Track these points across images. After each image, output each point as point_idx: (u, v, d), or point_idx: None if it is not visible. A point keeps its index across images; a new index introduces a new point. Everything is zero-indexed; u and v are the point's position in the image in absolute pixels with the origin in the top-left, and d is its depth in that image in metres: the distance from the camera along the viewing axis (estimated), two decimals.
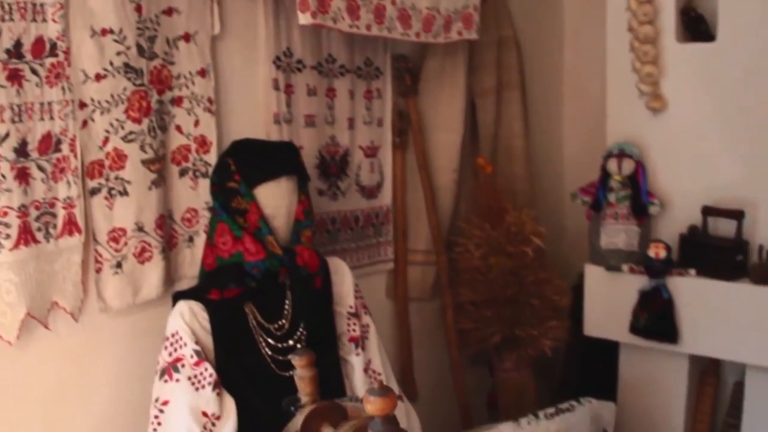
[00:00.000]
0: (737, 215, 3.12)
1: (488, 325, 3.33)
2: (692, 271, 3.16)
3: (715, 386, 3.49)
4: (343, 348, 2.41)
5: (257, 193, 2.18)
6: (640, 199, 3.26)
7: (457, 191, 3.41)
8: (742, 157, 3.12)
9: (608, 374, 3.54)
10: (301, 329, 2.26)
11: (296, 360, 1.65)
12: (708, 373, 3.50)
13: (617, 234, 3.30)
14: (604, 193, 3.31)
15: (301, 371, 1.66)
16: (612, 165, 3.28)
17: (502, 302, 3.32)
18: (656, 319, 3.20)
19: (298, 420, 1.60)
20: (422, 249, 3.33)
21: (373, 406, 1.41)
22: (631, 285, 3.25)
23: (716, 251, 3.16)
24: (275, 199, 2.19)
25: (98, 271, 2.24)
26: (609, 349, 3.52)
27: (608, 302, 3.35)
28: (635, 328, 3.27)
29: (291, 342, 2.25)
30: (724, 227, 3.18)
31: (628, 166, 3.26)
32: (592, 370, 3.65)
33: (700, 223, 3.22)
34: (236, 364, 2.17)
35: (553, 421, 2.83)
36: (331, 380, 2.26)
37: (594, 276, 3.37)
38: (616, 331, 3.35)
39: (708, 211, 3.19)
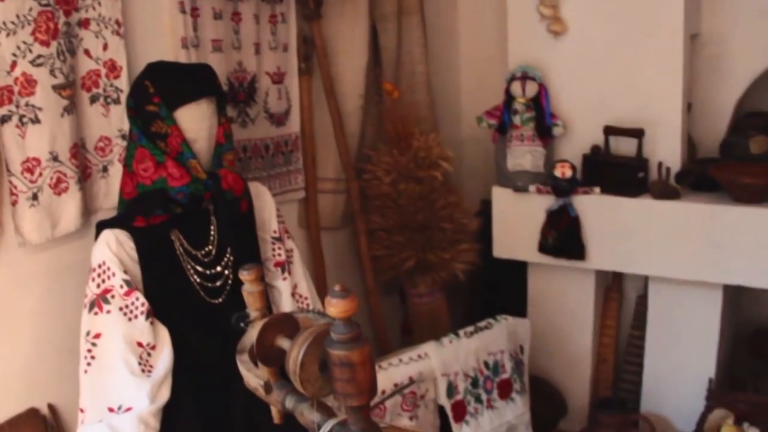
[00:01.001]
0: (637, 134, 3.21)
1: (401, 250, 3.34)
2: (596, 189, 3.24)
3: (619, 301, 3.63)
4: (269, 273, 2.37)
5: (178, 116, 2.09)
6: (544, 120, 3.31)
7: (364, 117, 3.38)
8: (641, 78, 3.20)
9: (517, 295, 3.62)
10: (228, 255, 2.21)
11: (244, 274, 1.60)
12: (612, 289, 3.63)
13: (523, 156, 3.34)
14: (509, 115, 3.34)
15: (250, 286, 1.61)
16: (516, 88, 3.31)
17: (413, 227, 3.33)
18: (564, 237, 3.28)
19: (252, 334, 1.55)
20: (332, 177, 3.30)
21: (335, 308, 1.37)
22: (538, 205, 3.32)
23: (618, 169, 3.26)
24: (196, 121, 2.11)
25: (14, 203, 2.12)
26: (517, 270, 3.60)
27: (516, 224, 3.41)
28: (544, 247, 3.34)
29: (219, 268, 2.19)
30: (625, 146, 3.27)
31: (531, 89, 3.30)
32: (501, 292, 3.71)
33: (602, 143, 3.30)
34: (165, 293, 2.10)
35: (473, 339, 2.89)
36: None
37: (501, 198, 3.42)
38: (525, 251, 3.42)
39: (609, 131, 3.27)
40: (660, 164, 3.21)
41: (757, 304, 3.69)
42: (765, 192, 3.02)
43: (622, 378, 3.64)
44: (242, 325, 1.64)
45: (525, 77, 3.30)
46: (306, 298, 2.44)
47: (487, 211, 3.58)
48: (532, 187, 3.32)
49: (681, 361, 3.39)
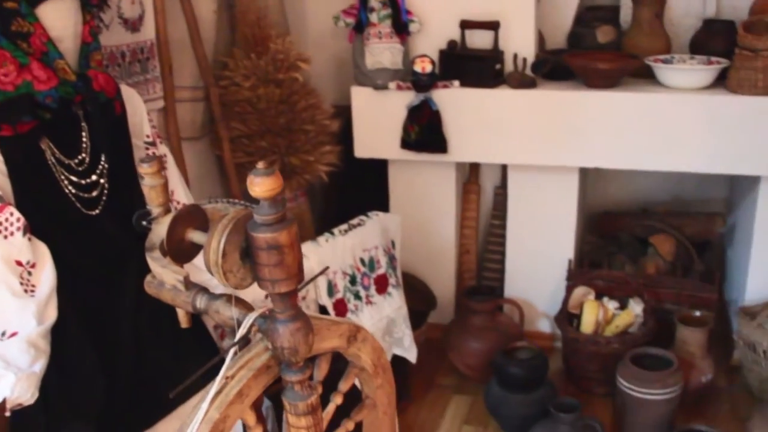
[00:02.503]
0: (493, 26, 3.25)
1: (265, 156, 3.27)
2: (456, 83, 3.27)
3: (477, 192, 3.72)
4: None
5: (40, 12, 1.92)
6: (401, 17, 3.30)
7: (218, 22, 3.25)
8: None
9: (379, 194, 3.64)
10: (102, 162, 2.08)
11: (144, 167, 1.50)
12: (470, 181, 3.72)
13: (382, 53, 3.33)
14: (365, 13, 3.30)
15: (152, 179, 1.51)
16: None
17: (275, 132, 3.27)
18: (426, 131, 3.31)
19: (160, 230, 1.47)
20: (189, 85, 3.16)
21: (260, 187, 1.31)
22: (399, 102, 3.33)
23: (475, 62, 3.30)
24: (61, 18, 1.95)
25: None
26: (378, 170, 3.61)
27: (377, 122, 3.40)
28: (406, 143, 3.36)
29: (94, 177, 2.07)
30: (480, 40, 3.32)
31: None
32: (363, 192, 3.72)
33: (458, 38, 3.33)
34: (39, 207, 1.96)
35: (348, 237, 2.89)
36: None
37: (361, 97, 3.40)
38: (387, 149, 3.43)
39: (465, 25, 3.30)
40: (515, 55, 3.28)
41: (603, 188, 3.89)
42: (617, 77, 3.16)
43: (486, 267, 3.76)
44: (144, 223, 1.56)
45: None
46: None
47: (342, 114, 3.55)
48: (392, 84, 3.32)
49: (541, 245, 3.54)
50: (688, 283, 3.32)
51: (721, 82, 3.09)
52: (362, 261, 2.95)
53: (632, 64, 3.15)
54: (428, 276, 3.65)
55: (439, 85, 3.27)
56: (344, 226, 2.94)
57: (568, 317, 3.29)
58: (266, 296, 1.44)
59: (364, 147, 3.47)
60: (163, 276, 1.45)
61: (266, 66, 3.22)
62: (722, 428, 2.77)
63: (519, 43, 3.29)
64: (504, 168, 3.68)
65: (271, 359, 1.48)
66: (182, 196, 2.37)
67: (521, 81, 3.24)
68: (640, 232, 3.67)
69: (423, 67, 3.24)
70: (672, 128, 3.08)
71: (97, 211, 2.07)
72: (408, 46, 3.37)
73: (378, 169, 3.62)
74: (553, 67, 3.28)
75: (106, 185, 2.09)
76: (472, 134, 3.30)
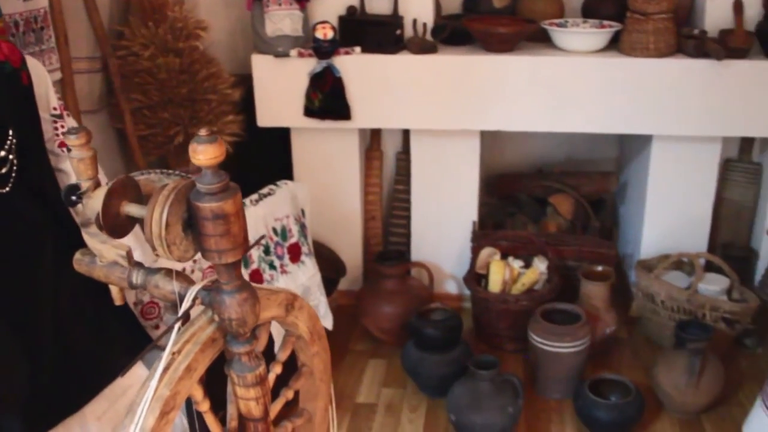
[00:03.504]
0: None
1: (167, 127, 3.21)
2: (357, 49, 3.27)
3: (380, 159, 3.74)
4: (54, 157, 2.17)
5: None
6: None
7: None
8: None
9: (284, 162, 3.62)
10: (10, 137, 1.99)
11: (71, 139, 1.44)
12: (372, 148, 3.73)
13: (282, 20, 3.28)
14: None
15: (80, 151, 1.45)
16: None
17: (177, 102, 3.20)
18: (329, 98, 3.30)
19: (93, 204, 1.42)
20: (85, 56, 3.06)
21: (204, 155, 1.30)
22: (301, 69, 3.30)
23: (376, 28, 3.31)
24: None
25: None
26: (283, 138, 3.59)
27: (279, 90, 3.36)
28: (310, 111, 3.34)
29: (2, 153, 1.97)
30: (379, 5, 3.33)
31: None
32: (267, 161, 3.68)
33: (357, 3, 3.32)
34: None
35: (259, 206, 2.86)
36: (48, 192, 2.05)
37: (262, 65, 3.35)
38: (290, 117, 3.40)
39: None
40: (415, 21, 3.31)
41: (499, 150, 3.97)
42: (515, 41, 3.23)
43: (392, 232, 3.80)
44: (74, 198, 1.51)
45: None
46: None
47: (243, 83, 3.50)
48: (293, 52, 3.28)
49: (445, 209, 3.60)
50: (588, 240, 3.45)
51: (614, 45, 3.19)
52: (275, 230, 2.94)
53: (529, 28, 3.23)
54: (335, 243, 3.66)
55: (341, 52, 3.26)
56: (255, 196, 2.92)
57: (476, 278, 3.37)
58: (207, 268, 1.42)
59: (267, 116, 3.43)
60: (103, 252, 1.41)
61: (165, 35, 3.15)
62: (628, 376, 2.90)
63: (418, 9, 3.32)
64: (406, 133, 3.71)
65: (216, 332, 1.47)
66: None
67: (422, 46, 3.26)
68: (539, 193, 3.78)
69: (324, 33, 3.22)
70: (569, 90, 3.17)
71: (7, 189, 1.99)
72: (308, 13, 3.34)
73: (282, 137, 3.58)
74: (452, 32, 3.32)
75: (15, 161, 2.01)
76: (375, 100, 3.31)
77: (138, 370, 2.16)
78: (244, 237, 1.38)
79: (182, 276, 1.50)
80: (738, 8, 3.07)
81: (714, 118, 3.10)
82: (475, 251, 3.46)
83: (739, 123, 3.11)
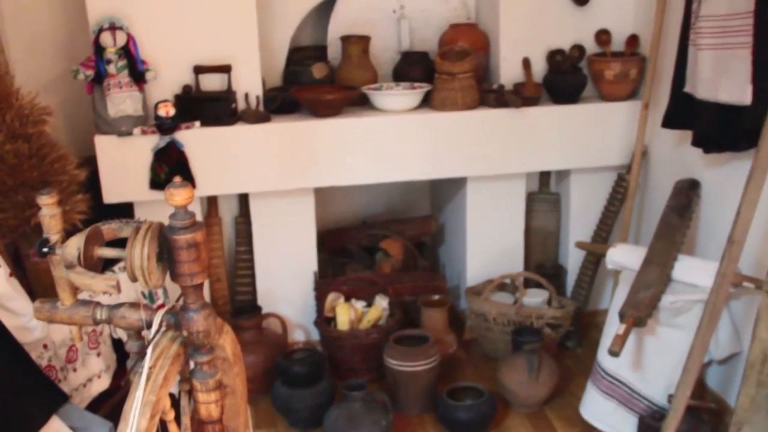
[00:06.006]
0: (226, 69, 3.60)
1: (23, 210, 3.33)
2: (197, 123, 3.57)
3: (219, 224, 4.01)
4: None
5: None
6: (136, 67, 3.53)
7: None
8: (223, 19, 3.59)
9: None
10: None
11: (44, 198, 1.66)
12: (210, 215, 4.00)
13: (123, 101, 3.52)
14: (103, 65, 3.49)
15: (50, 210, 1.68)
16: (106, 38, 3.45)
17: (30, 185, 3.34)
18: (175, 170, 3.55)
19: (70, 252, 1.63)
20: None
21: (180, 197, 1.57)
22: (144, 146, 3.53)
23: (212, 103, 3.62)
24: None
25: None
26: (128, 215, 3.78)
27: (123, 167, 3.57)
28: (156, 183, 3.57)
29: None
30: (212, 82, 3.65)
31: (121, 38, 3.47)
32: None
33: (192, 82, 3.63)
34: None
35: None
36: None
37: (105, 145, 3.55)
38: (135, 192, 3.61)
39: (199, 70, 3.61)
40: (247, 94, 3.66)
41: (323, 208, 4.33)
42: (340, 106, 3.65)
43: (238, 291, 4.06)
44: (45, 250, 1.73)
45: (113, 27, 3.47)
46: None
47: (87, 163, 3.67)
48: (136, 130, 3.52)
49: (287, 264, 3.91)
50: (421, 275, 3.90)
51: (426, 102, 3.70)
52: (143, 294, 3.14)
53: (352, 94, 3.67)
54: None
55: (182, 127, 3.54)
56: (121, 264, 3.11)
57: (325, 320, 3.70)
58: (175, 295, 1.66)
59: (113, 192, 3.61)
60: (93, 285, 1.64)
61: (12, 121, 3.29)
62: None
63: (248, 83, 3.67)
64: (242, 198, 4.00)
65: (180, 348, 1.73)
66: None
67: (256, 116, 3.61)
68: (366, 242, 4.19)
69: (167, 111, 3.49)
70: (391, 145, 3.63)
71: None
72: (146, 93, 3.60)
73: (127, 214, 3.76)
74: (282, 101, 3.70)
75: None
76: (217, 169, 3.60)
77: (54, 423, 2.34)
78: (208, 262, 1.66)
79: (145, 306, 1.75)
80: (526, 65, 3.68)
81: (517, 157, 3.68)
82: (320, 298, 3.79)
83: (537, 160, 3.71)
